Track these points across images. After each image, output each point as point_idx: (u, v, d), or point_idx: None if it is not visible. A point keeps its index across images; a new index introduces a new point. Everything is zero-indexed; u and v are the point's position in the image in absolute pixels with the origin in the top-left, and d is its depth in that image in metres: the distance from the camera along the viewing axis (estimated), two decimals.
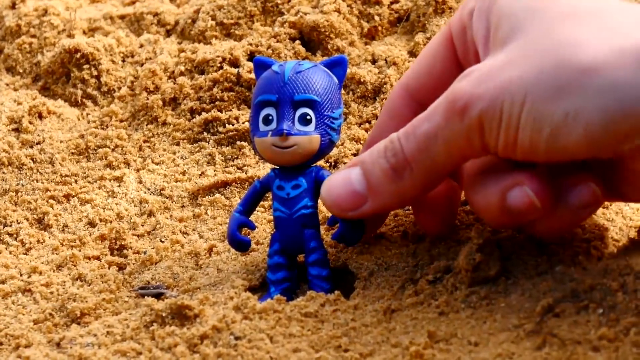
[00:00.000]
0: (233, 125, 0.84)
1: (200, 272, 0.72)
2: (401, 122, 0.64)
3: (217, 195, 0.80)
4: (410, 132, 0.61)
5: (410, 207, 0.70)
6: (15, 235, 0.79)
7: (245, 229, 0.69)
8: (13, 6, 0.98)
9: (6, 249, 0.78)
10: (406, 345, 0.59)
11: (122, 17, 0.97)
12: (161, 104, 0.87)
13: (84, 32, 0.96)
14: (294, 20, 0.88)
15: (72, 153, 0.85)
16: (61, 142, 0.86)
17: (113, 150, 0.85)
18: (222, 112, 0.85)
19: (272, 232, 0.68)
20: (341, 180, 0.65)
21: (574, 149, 0.56)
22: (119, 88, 0.91)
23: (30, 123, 0.88)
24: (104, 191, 0.82)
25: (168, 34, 0.95)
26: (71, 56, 0.91)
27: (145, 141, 0.86)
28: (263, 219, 0.76)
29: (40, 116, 0.89)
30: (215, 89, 0.86)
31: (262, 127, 0.66)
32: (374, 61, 0.86)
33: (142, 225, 0.79)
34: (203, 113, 0.85)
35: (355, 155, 0.80)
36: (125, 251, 0.76)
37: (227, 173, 0.81)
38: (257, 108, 0.67)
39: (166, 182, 0.82)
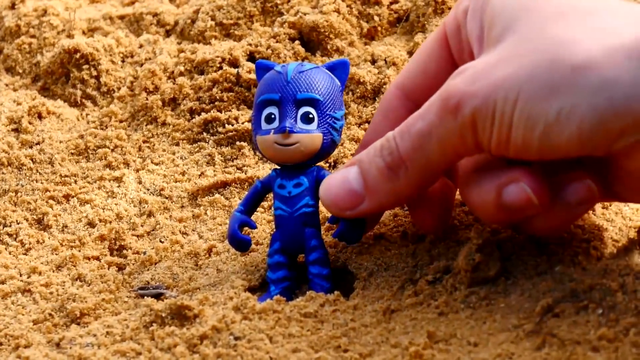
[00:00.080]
0: (232, 125, 0.84)
1: (200, 273, 0.72)
2: (396, 122, 0.64)
3: (217, 195, 0.80)
4: (405, 130, 0.61)
5: (406, 205, 0.70)
6: (14, 236, 0.79)
7: (246, 228, 0.69)
8: (12, 6, 0.98)
9: (6, 249, 0.78)
10: (406, 346, 0.59)
11: (121, 18, 0.97)
12: (161, 104, 0.87)
13: (84, 33, 0.96)
14: (294, 21, 0.88)
15: (72, 153, 0.85)
16: (61, 142, 0.86)
17: (112, 150, 0.85)
18: (221, 113, 0.85)
19: (272, 232, 0.69)
20: (339, 180, 0.65)
21: (566, 147, 0.56)
22: (119, 88, 0.91)
23: (30, 123, 0.88)
24: (103, 191, 0.82)
25: (167, 34, 0.95)
26: (71, 56, 0.91)
27: (144, 141, 0.86)
28: (262, 220, 0.76)
29: (40, 116, 0.89)
30: (214, 89, 0.86)
31: (264, 126, 0.67)
32: (373, 61, 0.86)
33: (142, 226, 0.79)
34: (202, 113, 0.85)
35: (354, 155, 0.80)
36: (124, 251, 0.76)
37: (227, 173, 0.81)
38: (259, 107, 0.67)
39: (166, 182, 0.82)
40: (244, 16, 0.91)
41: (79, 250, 0.76)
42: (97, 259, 0.76)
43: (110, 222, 0.79)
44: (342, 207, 0.65)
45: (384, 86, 0.83)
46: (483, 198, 0.60)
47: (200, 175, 0.82)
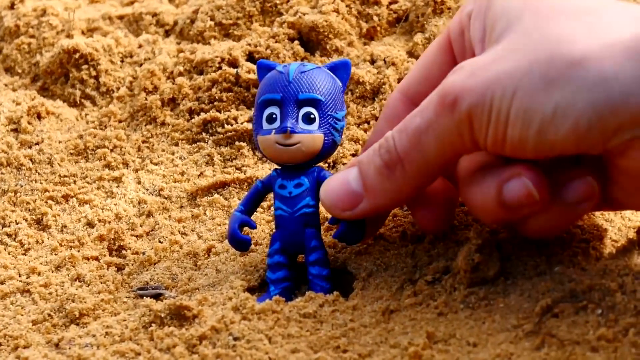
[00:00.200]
0: (232, 125, 0.84)
1: (199, 273, 0.72)
2: None
3: (216, 195, 0.80)
4: (403, 128, 0.61)
5: (407, 206, 0.70)
6: (14, 236, 0.79)
7: (246, 228, 0.69)
8: (12, 6, 0.98)
9: (5, 249, 0.78)
10: (405, 346, 0.59)
11: (120, 18, 0.97)
12: (160, 105, 0.87)
13: (83, 33, 0.96)
14: (293, 21, 0.88)
15: (71, 153, 0.85)
16: (60, 142, 0.86)
17: (112, 150, 0.85)
18: (220, 113, 0.85)
19: (272, 233, 0.68)
20: (339, 181, 0.65)
21: (562, 144, 0.56)
22: (118, 88, 0.91)
23: (29, 123, 0.88)
24: (102, 192, 0.82)
25: (167, 34, 0.95)
26: (70, 56, 0.91)
27: (144, 141, 0.86)
28: (262, 220, 0.76)
29: (39, 116, 0.89)
30: (214, 89, 0.86)
31: (265, 126, 0.67)
32: (372, 61, 0.86)
33: (141, 226, 0.79)
34: (202, 113, 0.85)
35: (354, 155, 0.80)
36: (124, 252, 0.76)
37: (226, 173, 0.81)
38: (260, 107, 0.67)
39: (165, 182, 0.82)
40: (243, 16, 0.91)
41: (78, 251, 0.76)
42: (96, 259, 0.76)
43: (110, 223, 0.79)
44: (341, 207, 0.65)
45: (383, 86, 0.83)
46: (484, 196, 0.60)
47: (199, 175, 0.82)
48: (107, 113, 0.88)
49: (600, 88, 0.55)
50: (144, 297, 0.70)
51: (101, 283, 0.73)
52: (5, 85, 0.94)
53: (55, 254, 0.76)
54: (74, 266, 0.75)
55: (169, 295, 0.70)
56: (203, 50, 0.89)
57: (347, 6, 0.89)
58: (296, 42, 0.88)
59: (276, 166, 0.68)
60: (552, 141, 0.56)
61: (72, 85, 0.91)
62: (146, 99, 0.87)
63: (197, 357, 0.60)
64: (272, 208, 0.69)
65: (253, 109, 0.73)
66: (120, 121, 0.88)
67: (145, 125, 0.87)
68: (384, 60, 0.85)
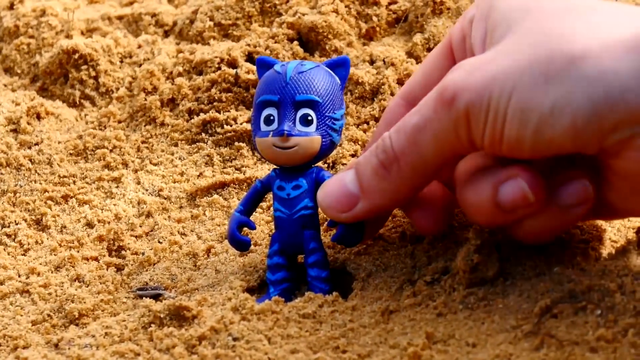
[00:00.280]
0: (231, 126, 0.84)
1: (199, 273, 0.72)
2: None
3: (215, 196, 0.80)
4: (401, 127, 0.61)
5: (402, 210, 0.70)
6: (13, 236, 0.79)
7: (245, 229, 0.69)
8: (11, 7, 0.98)
9: (4, 249, 0.78)
10: (404, 346, 0.59)
11: (120, 18, 0.97)
12: (159, 105, 0.87)
13: (82, 33, 0.96)
14: (292, 21, 0.88)
15: (70, 154, 0.85)
16: (59, 143, 0.86)
17: (111, 151, 0.85)
18: (220, 113, 0.85)
19: (272, 233, 0.68)
20: (336, 183, 0.65)
21: (559, 142, 0.56)
22: (117, 89, 0.91)
23: (29, 124, 0.88)
24: (102, 192, 0.82)
25: (166, 34, 0.95)
26: (69, 57, 0.91)
27: (143, 142, 0.86)
28: (261, 220, 0.76)
29: (39, 117, 0.89)
30: (213, 90, 0.86)
31: (263, 127, 0.66)
32: (372, 62, 0.86)
33: (140, 226, 0.79)
34: (201, 114, 0.85)
35: (353, 156, 0.80)
36: (123, 252, 0.76)
37: (225, 174, 0.81)
38: (258, 108, 0.67)
39: (164, 183, 0.82)
40: (243, 17, 0.91)
41: (78, 251, 0.76)
42: (96, 259, 0.76)
43: (109, 223, 0.79)
44: (338, 209, 0.64)
45: (383, 87, 0.83)
46: (479, 196, 0.60)
47: (198, 175, 0.82)
48: (107, 113, 0.88)
49: (599, 83, 0.55)
50: (144, 298, 0.70)
51: (100, 283, 0.73)
52: (5, 85, 0.94)
53: (55, 255, 0.76)
54: (73, 266, 0.75)
55: (169, 296, 0.70)
56: (202, 51, 0.89)
57: (346, 7, 0.89)
58: (295, 42, 0.88)
59: (275, 166, 0.68)
60: (550, 139, 0.56)
61: (71, 85, 0.91)
62: (145, 100, 0.87)
63: (197, 358, 0.60)
64: (272, 209, 0.69)
65: (252, 108, 0.73)
66: (119, 121, 0.88)
67: (144, 126, 0.87)
68: (383, 60, 0.85)
